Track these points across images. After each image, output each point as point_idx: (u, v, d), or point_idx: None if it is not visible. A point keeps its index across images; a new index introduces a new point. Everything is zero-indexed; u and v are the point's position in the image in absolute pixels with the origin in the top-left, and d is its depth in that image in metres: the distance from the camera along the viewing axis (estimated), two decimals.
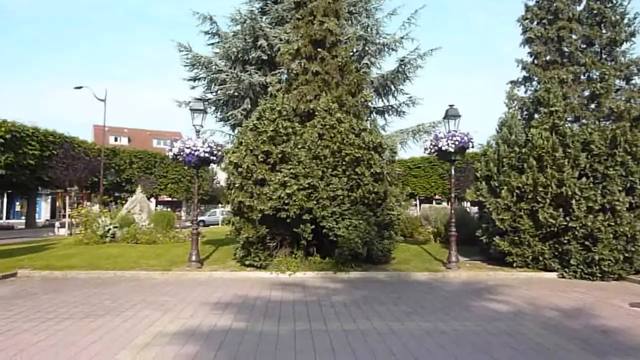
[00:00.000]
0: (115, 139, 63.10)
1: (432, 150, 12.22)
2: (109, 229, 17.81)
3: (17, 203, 46.91)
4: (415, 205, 39.90)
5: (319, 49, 13.15)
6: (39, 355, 5.22)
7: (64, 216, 30.11)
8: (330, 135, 11.60)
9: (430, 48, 18.82)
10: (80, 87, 31.16)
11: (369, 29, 18.81)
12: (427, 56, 18.49)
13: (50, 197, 47.06)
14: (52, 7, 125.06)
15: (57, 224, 30.86)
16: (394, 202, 12.50)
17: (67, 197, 28.75)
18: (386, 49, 18.95)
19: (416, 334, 6.19)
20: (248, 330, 6.37)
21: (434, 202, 41.26)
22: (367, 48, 18.40)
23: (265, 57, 18.07)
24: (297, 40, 13.71)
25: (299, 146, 11.55)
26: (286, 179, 10.96)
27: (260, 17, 18.58)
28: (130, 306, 7.78)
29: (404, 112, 19.83)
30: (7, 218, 44.62)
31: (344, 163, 11.45)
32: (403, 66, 18.55)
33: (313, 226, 11.25)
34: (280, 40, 17.10)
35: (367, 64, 18.25)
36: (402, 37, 18.81)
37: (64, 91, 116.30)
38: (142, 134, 67.69)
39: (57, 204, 45.71)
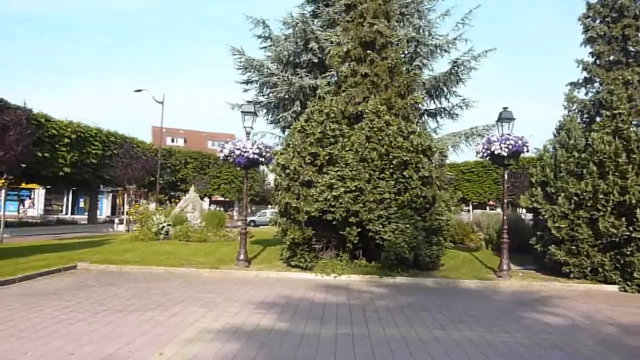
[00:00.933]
0: (172, 140, 65.46)
1: (484, 154, 11.84)
2: (163, 227, 18.47)
3: (81, 200, 49.64)
4: (468, 210, 38.87)
5: (368, 51, 13.08)
6: (91, 344, 5.47)
7: (123, 213, 31.55)
8: (378, 137, 11.50)
9: (485, 49, 18.29)
10: (140, 90, 32.52)
11: (421, 31, 18.53)
12: (482, 57, 18.00)
13: (110, 194, 49.48)
14: (112, 15, 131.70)
15: (116, 220, 32.41)
16: (444, 207, 12.21)
17: (125, 195, 30.13)
18: (438, 51, 18.61)
19: (461, 343, 6.00)
20: (290, 331, 6.40)
21: (487, 208, 40.05)
22: (419, 50, 18.13)
23: (315, 60, 18.20)
24: (346, 43, 13.70)
25: (347, 148, 11.52)
26: (333, 181, 10.96)
27: (312, 20, 18.74)
28: (178, 302, 8.02)
29: (457, 114, 19.41)
30: (72, 214, 47.28)
31: (391, 166, 11.31)
32: (456, 68, 18.14)
33: (359, 229, 11.19)
34: (331, 42, 17.15)
35: (418, 65, 17.98)
36: (455, 39, 18.42)
37: (125, 93, 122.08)
38: (198, 136, 69.84)
39: (117, 201, 48.00)
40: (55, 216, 40.20)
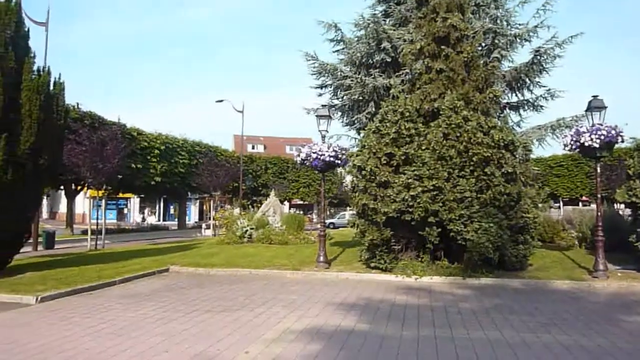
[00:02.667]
0: (252, 147, 67.77)
1: (573, 147, 11.05)
2: (247, 230, 19.18)
3: (171, 207, 52.83)
4: (559, 207, 36.53)
5: (442, 46, 12.72)
6: (184, 342, 5.80)
7: (209, 218, 33.17)
8: (456, 134, 11.15)
9: (570, 35, 17.08)
10: (221, 101, 34.10)
11: (498, 21, 17.72)
12: (567, 44, 16.83)
13: (198, 201, 52.22)
14: (191, 28, 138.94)
15: (203, 225, 34.13)
16: (530, 204, 11.57)
17: (211, 201, 31.67)
18: (518, 40, 17.67)
19: (552, 347, 5.65)
20: (371, 332, 6.38)
21: (580, 204, 37.38)
22: (496, 41, 17.33)
23: (389, 60, 18.00)
24: (419, 40, 13.43)
25: (423, 147, 11.29)
26: (410, 180, 10.78)
27: (384, 20, 18.57)
28: (262, 303, 8.28)
29: (541, 106, 18.30)
30: (163, 220, 50.44)
31: (471, 163, 10.92)
32: (538, 57, 17.12)
33: (439, 229, 10.90)
34: (404, 41, 16.89)
35: (497, 57, 17.18)
36: (536, 26, 17.39)
37: (209, 104, 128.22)
38: (276, 141, 71.74)
39: (204, 207, 50.57)
40: (149, 223, 43.08)
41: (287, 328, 6.54)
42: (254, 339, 5.97)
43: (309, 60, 19.30)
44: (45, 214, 50.44)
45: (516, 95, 18.55)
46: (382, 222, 10.96)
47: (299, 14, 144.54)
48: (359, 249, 12.45)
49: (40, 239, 18.62)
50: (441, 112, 11.66)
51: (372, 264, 11.56)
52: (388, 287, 10.06)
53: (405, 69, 15.80)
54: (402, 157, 11.03)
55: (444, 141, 11.20)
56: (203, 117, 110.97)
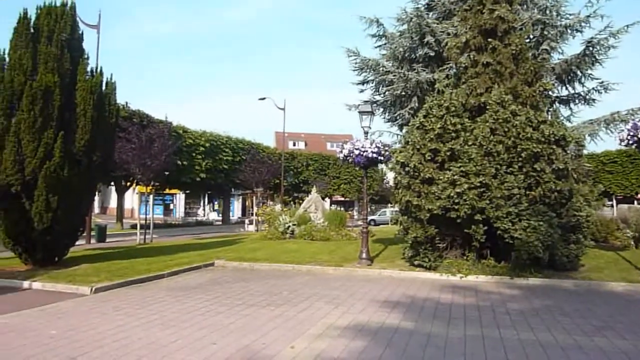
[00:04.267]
0: (294, 144, 68.22)
1: (630, 142, 10.50)
2: (289, 226, 19.36)
3: (215, 202, 53.95)
4: (612, 205, 34.94)
5: (489, 39, 12.39)
6: (230, 335, 5.91)
7: (252, 214, 33.69)
8: (503, 129, 10.84)
9: (626, 24, 16.24)
10: (263, 98, 34.46)
11: (547, 11, 17.06)
12: (622, 34, 16.02)
13: (240, 197, 53.12)
14: (233, 28, 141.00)
15: (246, 221, 34.69)
16: (582, 201, 11.11)
17: (254, 197, 32.14)
18: (569, 31, 16.96)
19: (608, 352, 5.40)
20: (416, 330, 6.30)
21: (635, 202, 35.59)
22: (546, 32, 16.71)
23: (432, 54, 17.70)
24: (465, 33, 13.13)
25: (469, 143, 11.03)
26: (455, 177, 10.56)
27: (427, 14, 18.26)
28: (305, 298, 8.34)
29: (593, 99, 17.52)
30: (207, 215, 51.57)
31: (520, 159, 10.59)
32: (591, 48, 16.38)
33: (486, 227, 10.63)
34: (448, 34, 16.56)
35: (546, 49, 16.57)
36: (588, 16, 16.64)
37: (251, 102, 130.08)
38: (317, 138, 71.94)
39: (247, 203, 51.40)
40: (195, 218, 44.18)
41: (331, 324, 6.56)
42: (298, 334, 6.02)
43: (351, 56, 19.22)
44: (96, 208, 52.59)
45: (566, 88, 17.85)
46: (426, 219, 10.79)
47: (339, 10, 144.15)
48: (402, 247, 12.32)
49: (92, 233, 19.44)
50: (488, 107, 11.37)
51: (416, 262, 11.41)
52: (432, 285, 9.92)
53: (449, 63, 15.50)
54: (448, 153, 10.81)
55: (491, 136, 10.92)
56: (245, 114, 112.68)
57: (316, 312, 7.29)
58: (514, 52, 12.25)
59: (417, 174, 10.95)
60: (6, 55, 10.90)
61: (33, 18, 11.15)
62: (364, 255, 12.18)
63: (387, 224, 37.44)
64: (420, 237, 10.94)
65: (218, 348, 5.43)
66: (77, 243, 12.62)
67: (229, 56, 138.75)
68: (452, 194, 10.47)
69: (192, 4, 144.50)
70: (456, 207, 10.53)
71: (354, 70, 19.47)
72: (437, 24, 17.51)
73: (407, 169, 11.12)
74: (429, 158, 10.92)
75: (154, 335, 5.89)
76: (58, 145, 10.28)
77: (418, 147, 11.05)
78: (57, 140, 10.30)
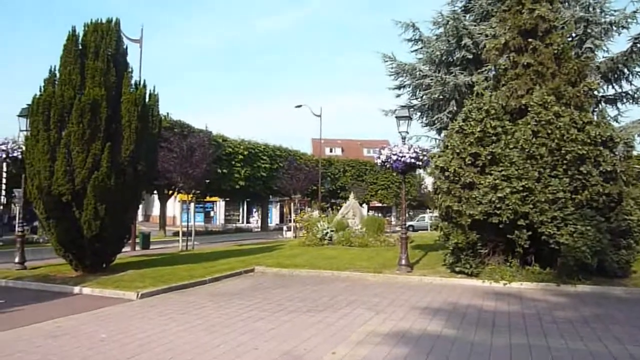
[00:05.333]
0: (330, 150, 68.33)
1: None
2: (327, 233, 19.40)
3: (254, 209, 54.64)
4: None
5: (529, 39, 12.09)
6: (272, 341, 5.98)
7: (290, 221, 33.94)
8: (546, 131, 10.54)
9: None
10: (299, 106, 34.76)
11: (590, 8, 16.51)
12: None
13: (278, 204, 53.57)
14: (268, 38, 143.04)
15: (284, 227, 34.98)
16: (632, 205, 10.65)
17: (292, 204, 32.38)
18: (614, 28, 16.35)
19: None
20: (459, 338, 6.19)
21: None
22: (589, 30, 16.17)
23: (470, 56, 17.42)
24: (504, 34, 12.86)
25: (511, 146, 10.79)
26: (497, 181, 10.33)
27: (464, 16, 18.02)
28: (345, 304, 8.33)
29: None
30: (246, 222, 52.31)
31: (564, 162, 10.27)
32: (638, 45, 15.74)
33: (530, 232, 10.34)
34: (486, 36, 16.27)
35: (590, 47, 16.03)
36: (635, 12, 16.00)
37: (287, 109, 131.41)
38: (354, 144, 71.83)
39: (284, 210, 51.75)
40: (234, 225, 44.89)
41: (372, 330, 6.53)
42: (339, 340, 6.02)
43: (387, 61, 19.17)
44: (140, 216, 54.18)
45: (613, 87, 17.20)
46: (467, 224, 10.59)
47: (374, 16, 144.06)
48: (443, 253, 12.14)
49: (137, 240, 20.06)
50: (529, 109, 11.09)
51: (457, 268, 11.21)
52: (475, 292, 9.72)
53: (488, 65, 15.20)
54: (488, 157, 10.60)
55: (534, 139, 10.64)
56: (282, 122, 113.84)
57: (357, 318, 7.28)
58: (555, 51, 11.91)
59: (457, 178, 10.78)
60: (57, 72, 11.45)
61: (81, 35, 11.67)
62: (403, 262, 12.07)
63: (426, 229, 36.98)
64: (462, 243, 10.74)
65: (261, 353, 5.50)
66: (122, 250, 13.05)
67: (265, 65, 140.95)
68: (493, 199, 10.25)
69: (229, 16, 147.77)
70: (498, 212, 10.30)
71: (390, 75, 19.41)
72: (475, 26, 17.26)
73: (446, 173, 10.97)
74: (469, 162, 10.74)
75: (198, 340, 6.03)
76: (105, 156, 10.70)
77: (458, 151, 10.88)
78: (105, 151, 10.72)
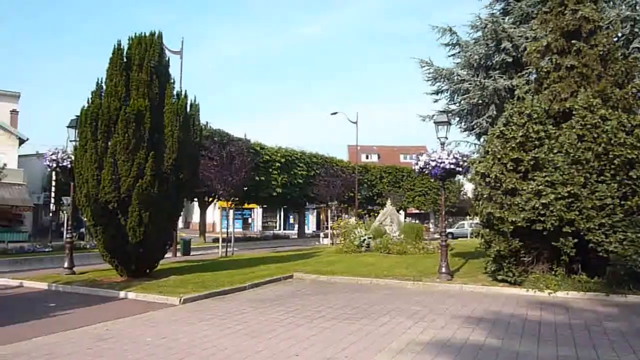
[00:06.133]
0: (366, 157, 68.10)
1: None
2: (364, 239, 19.31)
3: (291, 216, 54.98)
4: None
5: (572, 41, 11.75)
6: (311, 347, 6.01)
7: (327, 227, 33.97)
8: (592, 135, 10.19)
9: None
10: (335, 113, 34.86)
11: (637, 7, 15.89)
12: None
13: (315, 210, 53.72)
14: (303, 45, 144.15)
15: (321, 234, 35.01)
16: None
17: (328, 211, 32.42)
18: None
19: None
20: (503, 348, 6.04)
21: None
22: (636, 29, 15.55)
23: (509, 60, 17.06)
24: (545, 36, 12.55)
25: (555, 151, 10.48)
26: (540, 187, 10.05)
27: (502, 19, 17.68)
28: (385, 312, 8.27)
29: None
30: (283, 229, 52.66)
31: (612, 167, 9.89)
32: None
33: (576, 240, 9.99)
34: (526, 38, 15.91)
35: (638, 48, 15.41)
36: None
37: (323, 116, 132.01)
38: (390, 150, 71.38)
39: (321, 216, 51.85)
40: (271, 231, 45.28)
41: (413, 339, 6.45)
42: (380, 348, 5.98)
43: (424, 66, 18.99)
44: (181, 223, 55.45)
45: None
46: (510, 231, 10.33)
47: (410, 21, 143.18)
48: (484, 261, 11.87)
49: (178, 246, 20.54)
50: (574, 112, 10.75)
51: (499, 277, 10.93)
52: (518, 301, 9.46)
53: (529, 68, 14.87)
54: (531, 162, 10.32)
55: (579, 143, 10.30)
56: (318, 129, 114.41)
57: (396, 326, 7.21)
58: (601, 53, 11.52)
59: (498, 184, 10.55)
60: (103, 84, 11.92)
61: (125, 48, 12.13)
62: (443, 270, 11.87)
63: (466, 237, 36.22)
64: (504, 250, 10.48)
65: None
66: (165, 256, 13.39)
67: (301, 72, 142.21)
68: (537, 205, 9.96)
69: (263, 26, 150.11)
70: (542, 218, 10.00)
71: (427, 80, 19.21)
72: (514, 28, 16.89)
73: (487, 179, 10.75)
74: (511, 168, 10.48)
75: (239, 345, 6.12)
76: (149, 165, 11.04)
77: (499, 156, 10.65)
78: (148, 160, 11.07)
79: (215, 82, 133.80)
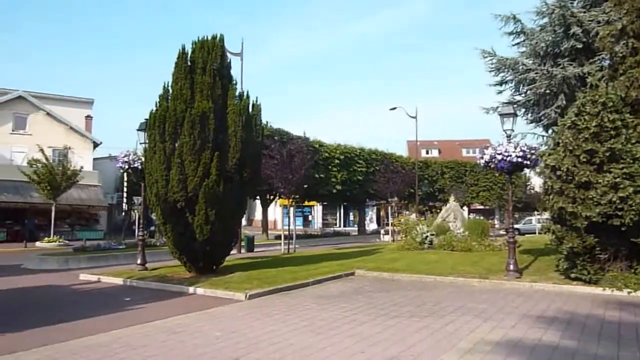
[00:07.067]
0: (427, 152, 66.87)
1: None
2: (427, 236, 18.96)
3: (351, 213, 55.04)
4: None
5: None
6: (377, 345, 5.97)
7: (387, 224, 33.68)
8: None
9: None
10: (394, 108, 34.42)
11: None
12: None
13: (375, 207, 53.42)
14: (361, 42, 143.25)
15: (382, 231, 34.77)
16: None
17: (388, 207, 32.13)
18: None
19: None
20: (580, 350, 5.73)
21: None
22: None
23: (579, 46, 16.12)
24: (620, 19, 11.74)
25: (633, 141, 9.79)
26: (618, 180, 9.42)
27: (571, 3, 16.72)
28: (451, 311, 8.08)
29: None
30: (344, 226, 52.79)
31: None
32: None
33: None
34: (598, 22, 14.96)
35: None
36: None
37: (382, 112, 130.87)
38: (451, 145, 69.64)
39: (381, 213, 51.48)
40: (332, 229, 45.52)
41: (482, 338, 6.26)
42: (447, 348, 5.85)
43: (486, 57, 18.32)
44: (244, 221, 56.92)
45: None
46: (584, 227, 9.76)
47: (469, 12, 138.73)
48: (555, 258, 11.31)
49: (242, 243, 21.11)
50: None
51: (572, 275, 10.38)
52: (594, 301, 8.94)
53: (601, 54, 13.97)
54: (607, 154, 9.70)
55: None
56: (377, 125, 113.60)
57: (463, 325, 7.02)
58: None
59: (570, 177, 10.00)
60: (169, 87, 12.44)
61: (189, 52, 12.58)
62: (511, 267, 11.43)
63: (534, 233, 34.74)
64: (577, 247, 9.93)
65: (367, 357, 5.51)
66: (230, 253, 13.79)
67: (359, 69, 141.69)
68: (614, 199, 9.35)
69: (321, 24, 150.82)
70: (620, 213, 9.38)
71: (490, 71, 18.53)
72: (584, 12, 15.94)
73: (558, 172, 10.22)
74: (584, 160, 9.90)
75: (305, 341, 6.19)
76: (214, 164, 11.42)
77: (570, 148, 10.09)
78: (213, 160, 11.45)
79: (274, 83, 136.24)
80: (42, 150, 27.01)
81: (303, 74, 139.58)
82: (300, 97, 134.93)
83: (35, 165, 26.30)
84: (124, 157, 13.85)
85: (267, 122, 28.30)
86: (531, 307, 8.34)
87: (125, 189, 37.50)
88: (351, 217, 55.18)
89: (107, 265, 15.77)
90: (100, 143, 38.99)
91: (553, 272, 11.50)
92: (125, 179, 35.85)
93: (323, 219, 53.97)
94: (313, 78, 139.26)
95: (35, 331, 7.10)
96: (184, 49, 12.51)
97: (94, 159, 37.81)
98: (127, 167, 13.92)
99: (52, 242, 25.54)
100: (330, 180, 33.41)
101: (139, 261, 13.64)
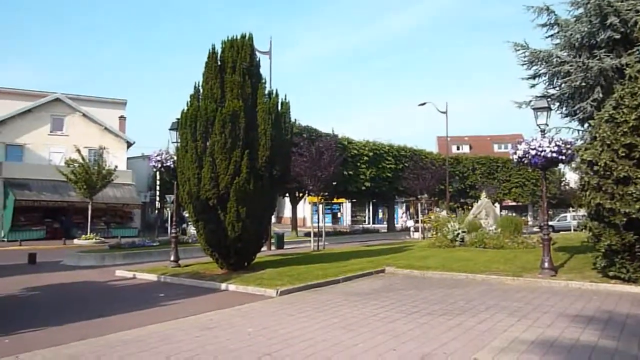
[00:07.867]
0: (457, 148, 65.87)
1: None
2: (458, 234, 18.71)
3: (380, 210, 54.72)
4: None
5: None
6: (409, 343, 5.94)
7: (417, 221, 33.35)
8: None
9: None
10: (423, 104, 33.97)
11: None
12: None
13: (404, 204, 52.98)
14: (390, 38, 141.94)
15: (412, 228, 34.45)
16: None
17: (418, 204, 31.81)
18: None
19: None
20: (620, 350, 5.56)
21: None
22: None
23: (617, 37, 15.56)
24: None
25: None
26: None
27: None
28: (484, 309, 7.96)
29: None
30: (373, 223, 52.51)
31: None
32: None
33: None
34: (637, 12, 14.43)
35: None
36: None
37: (411, 108, 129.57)
38: (482, 140, 68.39)
39: (410, 210, 51.05)
40: (361, 226, 45.39)
41: (516, 337, 6.15)
42: (480, 346, 5.77)
43: (518, 50, 17.90)
44: (273, 218, 57.34)
45: None
46: (622, 224, 9.45)
47: (501, 5, 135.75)
48: (592, 255, 10.98)
49: (272, 240, 21.28)
50: None
51: (611, 273, 10.07)
52: (633, 300, 8.66)
53: None
54: None
55: None
56: (406, 121, 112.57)
57: (497, 323, 6.91)
58: None
59: (608, 173, 9.69)
60: (200, 87, 12.63)
61: (219, 52, 12.74)
62: (546, 265, 11.16)
63: (568, 230, 33.83)
64: (616, 244, 9.62)
65: (399, 355, 5.49)
66: (261, 250, 13.92)
67: (388, 65, 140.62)
68: None
69: (351, 20, 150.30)
70: None
71: (522, 64, 18.09)
72: (622, 2, 15.38)
73: (595, 168, 9.92)
74: (623, 154, 9.58)
75: (337, 338, 6.21)
76: (245, 162, 11.55)
77: (608, 142, 9.77)
78: (244, 158, 11.58)
79: (303, 80, 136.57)
80: (78, 151, 27.83)
81: (330, 72, 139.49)
82: (328, 95, 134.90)
83: (72, 165, 27.11)
84: (156, 156, 14.13)
85: (295, 120, 28.41)
86: (567, 306, 8.14)
87: (157, 188, 38.28)
88: (380, 214, 54.86)
89: (142, 262, 16.16)
90: (134, 143, 39.90)
91: (590, 270, 11.19)
92: (158, 177, 36.57)
93: (352, 216, 53.84)
94: (340, 75, 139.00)
95: (74, 325, 7.35)
96: (214, 48, 12.67)
97: (128, 159, 38.71)
98: (160, 166, 14.20)
99: (88, 239, 26.32)
100: (359, 177, 33.28)
101: (172, 258, 13.91)
